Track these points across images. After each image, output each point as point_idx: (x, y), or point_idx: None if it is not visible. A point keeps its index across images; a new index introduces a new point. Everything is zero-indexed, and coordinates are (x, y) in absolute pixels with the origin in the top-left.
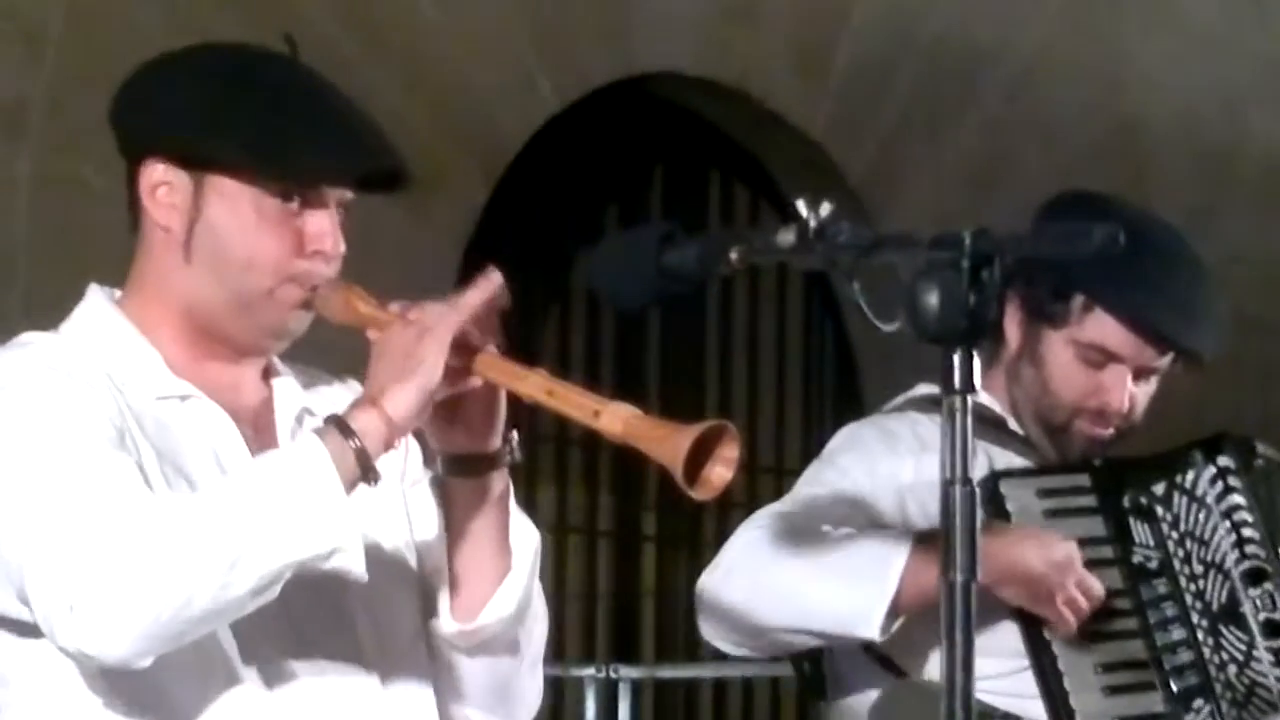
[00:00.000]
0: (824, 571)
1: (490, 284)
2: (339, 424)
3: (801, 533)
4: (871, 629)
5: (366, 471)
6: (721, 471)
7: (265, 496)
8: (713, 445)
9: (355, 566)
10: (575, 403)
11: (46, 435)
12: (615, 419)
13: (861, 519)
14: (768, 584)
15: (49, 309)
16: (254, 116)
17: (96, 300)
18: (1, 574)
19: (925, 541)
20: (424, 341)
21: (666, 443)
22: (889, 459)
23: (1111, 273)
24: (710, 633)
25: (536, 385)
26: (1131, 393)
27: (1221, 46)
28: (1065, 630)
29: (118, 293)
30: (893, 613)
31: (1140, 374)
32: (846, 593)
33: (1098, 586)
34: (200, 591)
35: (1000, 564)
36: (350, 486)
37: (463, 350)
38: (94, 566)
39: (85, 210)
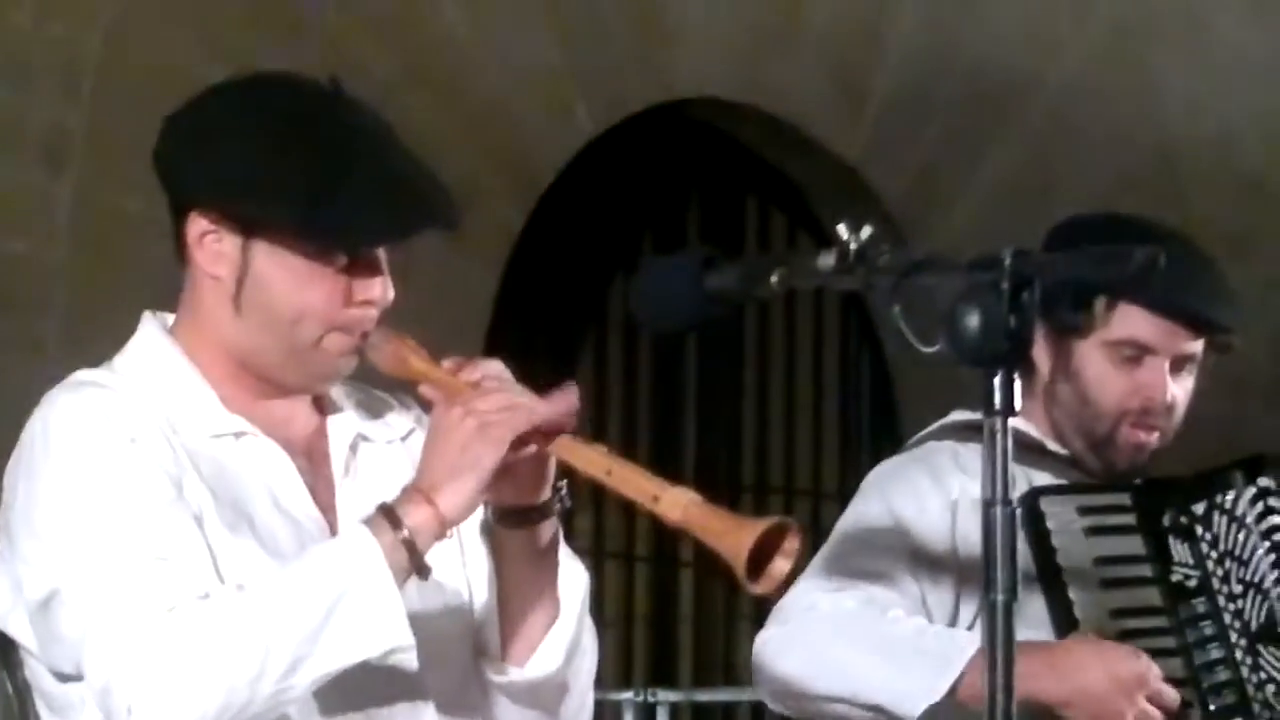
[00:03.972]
0: (889, 649)
1: (567, 400)
2: (390, 516)
3: (869, 607)
4: (921, 707)
5: (418, 567)
6: (783, 565)
7: (323, 601)
8: (775, 539)
9: (409, 662)
10: (635, 485)
11: (109, 508)
12: (674, 506)
13: (910, 554)
14: (828, 657)
15: (87, 338)
16: (299, 181)
17: (151, 332)
18: (60, 647)
19: None
20: (483, 439)
21: (728, 538)
22: (934, 487)
23: None
24: (763, 692)
25: (596, 463)
26: (1171, 390)
27: (1259, 72)
28: None
29: (170, 319)
30: (948, 701)
31: (1176, 365)
32: (908, 672)
33: (1172, 695)
34: (258, 695)
35: (1067, 687)
36: (402, 582)
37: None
38: (153, 669)
39: (124, 239)
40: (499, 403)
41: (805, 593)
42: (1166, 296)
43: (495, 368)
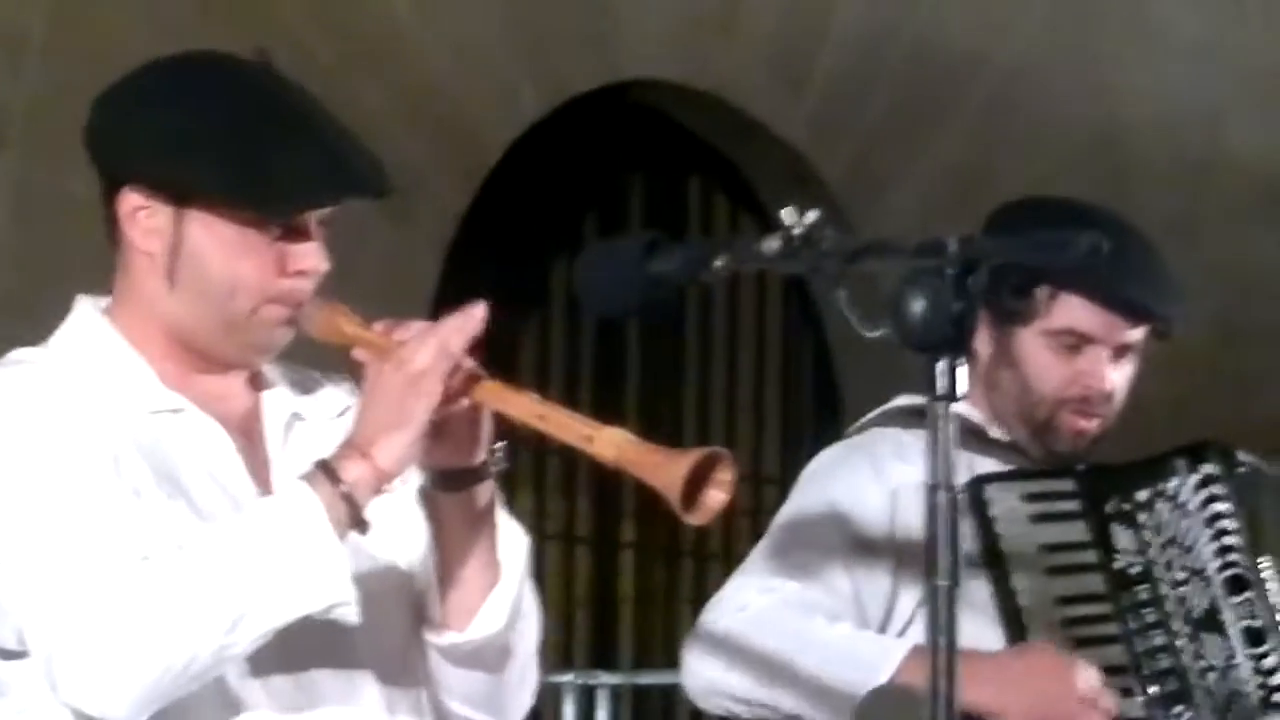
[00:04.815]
0: (815, 656)
1: (474, 319)
2: (328, 471)
3: (799, 610)
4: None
5: (357, 522)
6: (717, 495)
7: (264, 555)
8: (708, 470)
9: (350, 616)
10: (567, 427)
11: (45, 480)
12: (608, 445)
13: (848, 548)
14: (752, 662)
15: (30, 318)
16: (230, 148)
17: (86, 312)
18: (1, 621)
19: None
20: (415, 390)
21: (661, 470)
22: (874, 476)
23: None
24: (690, 691)
25: (527, 409)
26: (1111, 378)
27: (1202, 56)
28: None
29: (104, 302)
30: (886, 690)
31: (1117, 353)
32: (833, 680)
33: (1111, 703)
34: (201, 653)
35: (1002, 696)
36: (342, 536)
37: (453, 376)
38: (95, 632)
39: (67, 219)
40: (430, 354)
41: (739, 590)
42: (1108, 287)
43: (426, 329)
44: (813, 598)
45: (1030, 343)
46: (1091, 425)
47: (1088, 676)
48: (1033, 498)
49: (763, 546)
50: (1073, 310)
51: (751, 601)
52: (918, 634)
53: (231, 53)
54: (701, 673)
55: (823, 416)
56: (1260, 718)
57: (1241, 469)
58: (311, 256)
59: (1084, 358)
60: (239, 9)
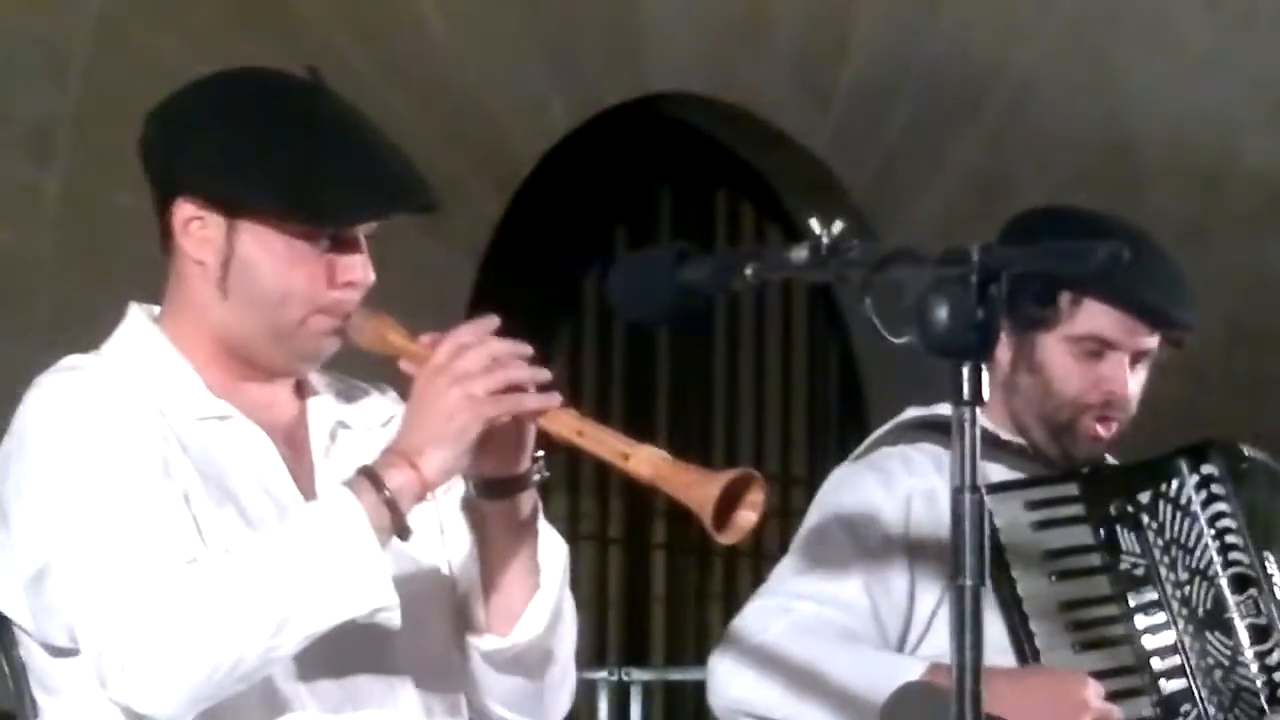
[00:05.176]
0: (840, 669)
1: (550, 402)
2: (372, 478)
3: (820, 629)
4: None
5: (400, 528)
6: (748, 515)
7: (308, 561)
8: (740, 490)
9: (393, 621)
10: (604, 444)
11: (97, 480)
12: (644, 462)
13: (864, 564)
14: (777, 682)
15: (77, 328)
16: (282, 163)
17: (138, 320)
18: (53, 617)
19: (937, 670)
20: (469, 411)
21: (695, 489)
22: (886, 493)
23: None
24: (716, 705)
25: (566, 425)
26: (1130, 383)
27: (1215, 67)
28: None
29: (156, 310)
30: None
31: (1134, 359)
32: (854, 698)
33: (1116, 714)
34: (248, 655)
35: (1019, 707)
36: (385, 543)
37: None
38: (145, 631)
39: (112, 229)
40: (491, 384)
41: (760, 612)
42: (1131, 294)
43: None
44: (833, 616)
45: (1053, 348)
46: (1109, 431)
47: (1098, 690)
48: (1035, 505)
49: (784, 565)
50: (1096, 316)
51: (774, 622)
52: (937, 638)
53: (283, 70)
54: (726, 691)
55: (848, 418)
56: (1268, 714)
57: (1244, 465)
58: (359, 268)
59: (1106, 363)
60: (276, 25)
